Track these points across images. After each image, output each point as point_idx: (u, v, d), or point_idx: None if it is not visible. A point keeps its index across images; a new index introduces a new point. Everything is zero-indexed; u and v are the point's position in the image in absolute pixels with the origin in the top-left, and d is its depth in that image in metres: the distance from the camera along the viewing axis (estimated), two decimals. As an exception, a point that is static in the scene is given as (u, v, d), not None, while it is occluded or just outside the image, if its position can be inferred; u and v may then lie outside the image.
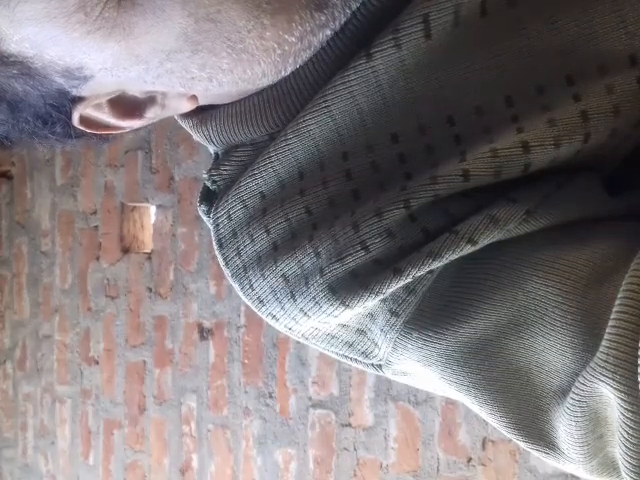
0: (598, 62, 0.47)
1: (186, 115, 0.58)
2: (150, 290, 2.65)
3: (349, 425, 2.17)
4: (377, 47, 0.49)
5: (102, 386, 2.82)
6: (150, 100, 0.53)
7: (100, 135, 0.55)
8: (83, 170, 2.89)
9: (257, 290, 0.53)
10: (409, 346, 0.49)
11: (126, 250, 2.76)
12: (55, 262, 2.99)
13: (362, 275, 0.48)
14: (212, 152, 0.58)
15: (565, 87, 0.47)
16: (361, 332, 0.52)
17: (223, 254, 0.55)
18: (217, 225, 0.55)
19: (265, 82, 0.52)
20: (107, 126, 0.54)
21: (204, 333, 2.51)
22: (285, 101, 0.53)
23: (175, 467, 2.59)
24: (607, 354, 0.41)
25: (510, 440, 0.50)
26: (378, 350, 0.51)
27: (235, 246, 0.54)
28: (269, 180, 0.53)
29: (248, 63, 0.49)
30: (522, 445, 0.49)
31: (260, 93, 0.53)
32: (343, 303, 0.49)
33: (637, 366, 0.40)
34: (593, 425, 0.44)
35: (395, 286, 0.47)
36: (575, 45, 0.47)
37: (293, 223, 0.51)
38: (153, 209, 2.74)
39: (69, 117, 0.52)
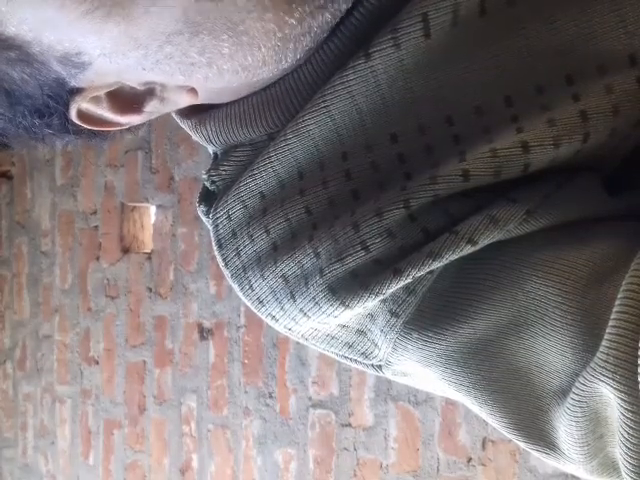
0: (597, 62, 0.47)
1: (185, 115, 0.57)
2: (150, 290, 2.65)
3: (349, 425, 2.17)
4: (376, 47, 0.49)
5: (102, 386, 2.82)
6: (149, 92, 0.52)
7: (99, 131, 0.55)
8: (83, 170, 2.89)
9: (257, 291, 0.53)
10: (409, 347, 0.49)
11: (126, 250, 2.76)
12: (55, 262, 2.99)
13: (362, 275, 0.48)
14: (211, 152, 0.58)
15: (564, 87, 0.47)
16: (361, 333, 0.51)
17: (222, 255, 0.54)
18: (216, 225, 0.55)
19: (265, 73, 0.51)
20: (106, 122, 0.53)
21: (204, 333, 2.51)
22: (284, 101, 0.53)
23: (175, 467, 2.59)
24: (607, 354, 0.41)
25: (510, 440, 0.50)
26: (378, 351, 0.51)
27: (235, 246, 0.54)
28: (269, 180, 0.53)
29: (249, 47, 0.48)
30: (522, 445, 0.49)
31: (259, 93, 0.53)
32: (343, 303, 0.49)
33: (637, 366, 0.40)
34: (593, 425, 0.44)
35: (395, 286, 0.47)
36: (574, 45, 0.47)
37: (293, 223, 0.51)
38: (153, 209, 2.74)
39: (67, 109, 0.51)
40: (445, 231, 0.47)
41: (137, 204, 2.77)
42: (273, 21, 0.47)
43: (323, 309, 0.49)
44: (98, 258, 2.83)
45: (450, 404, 1.95)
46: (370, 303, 0.48)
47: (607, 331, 0.41)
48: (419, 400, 2.02)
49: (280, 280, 0.51)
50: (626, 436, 0.41)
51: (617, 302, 0.41)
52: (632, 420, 0.41)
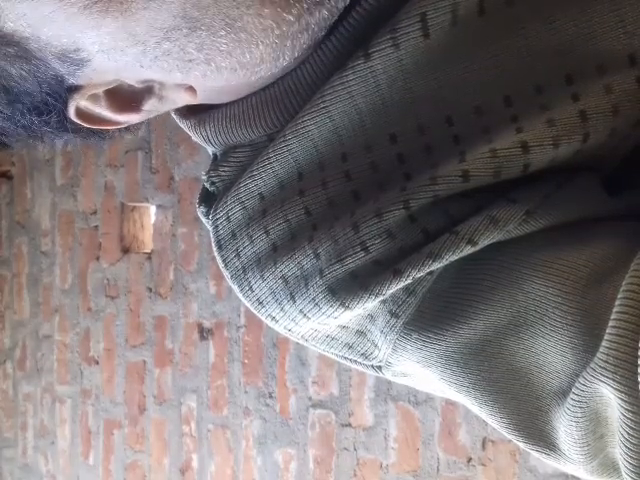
0: (597, 62, 0.47)
1: (185, 116, 0.57)
2: (150, 290, 2.65)
3: (349, 425, 2.17)
4: (375, 47, 0.49)
5: (102, 386, 2.82)
6: (147, 91, 0.52)
7: (97, 130, 0.55)
8: (83, 170, 2.89)
9: (256, 291, 0.53)
10: (409, 347, 0.49)
11: (126, 250, 2.76)
12: (55, 262, 2.99)
13: (362, 276, 0.48)
14: (211, 153, 0.58)
15: (564, 87, 0.47)
16: (361, 333, 0.51)
17: (222, 255, 0.54)
18: (216, 226, 0.55)
19: (264, 71, 0.51)
20: (104, 120, 0.53)
21: (204, 333, 2.50)
22: (283, 102, 0.53)
23: (175, 467, 2.59)
24: (607, 354, 0.41)
25: (510, 440, 0.50)
26: (378, 351, 0.51)
27: (234, 247, 0.54)
28: (268, 181, 0.53)
29: (247, 44, 0.48)
30: (522, 446, 0.49)
31: (258, 93, 0.53)
32: (343, 304, 0.49)
33: (637, 366, 0.40)
34: (593, 426, 0.44)
35: (395, 287, 0.47)
36: (574, 45, 0.47)
37: (292, 224, 0.51)
38: (153, 209, 2.74)
39: (65, 107, 0.51)
40: (445, 232, 0.47)
41: (137, 204, 2.77)
42: (271, 17, 0.47)
43: (323, 310, 0.49)
44: (98, 258, 2.83)
45: (450, 404, 1.95)
46: (370, 304, 0.48)
47: (607, 331, 0.41)
48: (419, 400, 2.02)
49: (280, 281, 0.51)
50: (626, 436, 0.41)
51: (617, 302, 0.41)
52: (632, 420, 0.41)
